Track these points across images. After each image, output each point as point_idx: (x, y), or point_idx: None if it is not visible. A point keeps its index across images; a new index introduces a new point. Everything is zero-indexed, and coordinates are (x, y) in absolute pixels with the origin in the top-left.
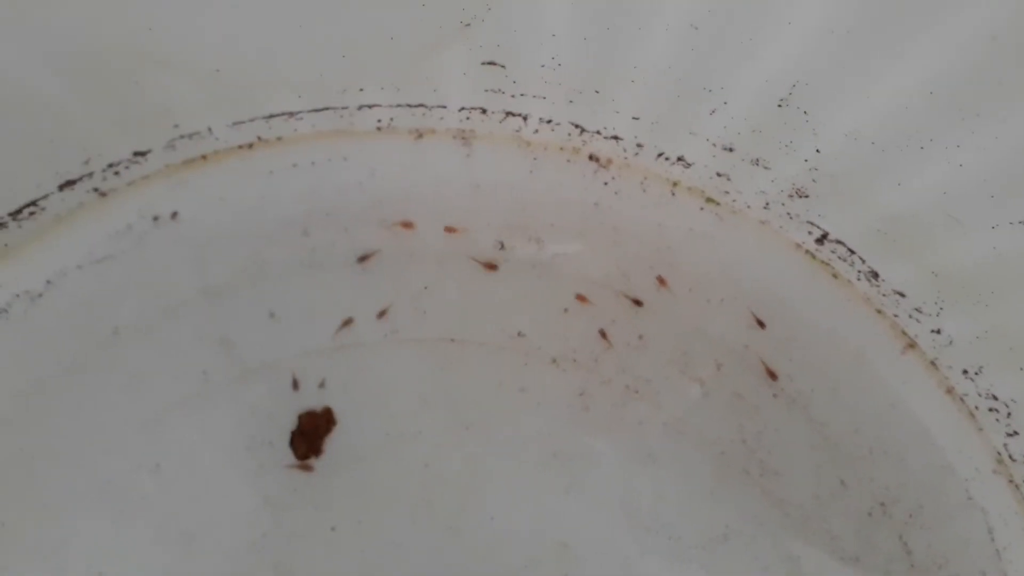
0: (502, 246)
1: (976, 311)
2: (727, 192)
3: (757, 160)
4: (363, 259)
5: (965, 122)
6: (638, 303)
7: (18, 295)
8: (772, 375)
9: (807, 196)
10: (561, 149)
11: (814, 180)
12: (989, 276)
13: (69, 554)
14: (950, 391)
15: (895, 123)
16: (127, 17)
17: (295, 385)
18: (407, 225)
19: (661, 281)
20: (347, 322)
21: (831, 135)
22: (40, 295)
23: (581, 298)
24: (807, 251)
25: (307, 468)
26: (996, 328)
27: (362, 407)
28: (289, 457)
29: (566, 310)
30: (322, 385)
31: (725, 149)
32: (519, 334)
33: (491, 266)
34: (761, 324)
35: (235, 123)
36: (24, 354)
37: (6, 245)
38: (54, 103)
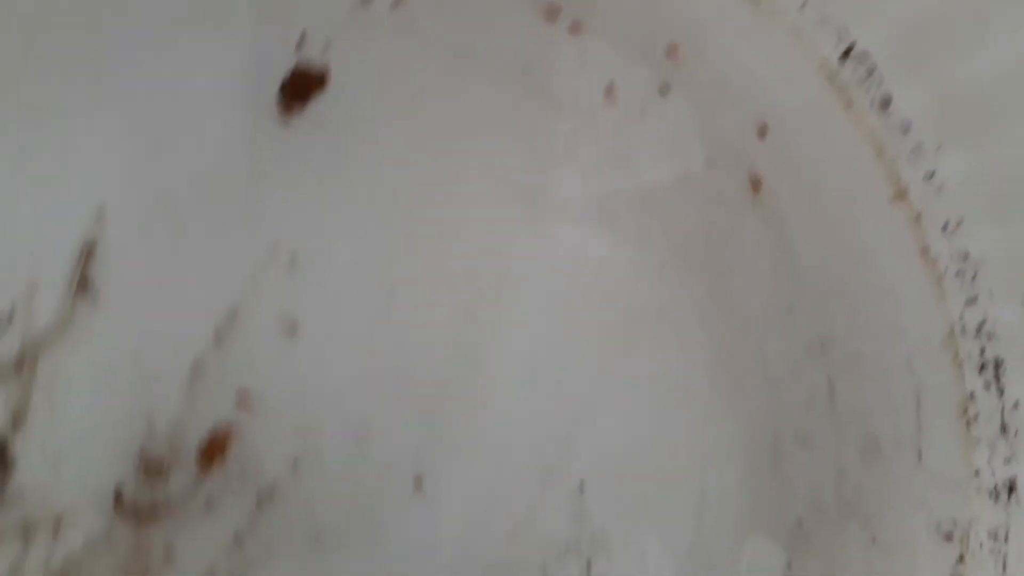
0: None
1: (973, 146)
2: None
3: None
4: None
5: None
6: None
7: None
8: (756, 186)
9: None
10: None
11: None
12: (995, 99)
13: (45, 119)
14: (925, 253)
15: None
16: None
17: (300, 47)
18: None
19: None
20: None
21: None
22: None
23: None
24: (829, 73)
25: (289, 119)
26: (987, 168)
27: (358, 84)
28: (276, 103)
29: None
30: (326, 49)
31: None
32: (522, 69)
33: None
34: (762, 134)
35: None
36: None
37: None
38: None
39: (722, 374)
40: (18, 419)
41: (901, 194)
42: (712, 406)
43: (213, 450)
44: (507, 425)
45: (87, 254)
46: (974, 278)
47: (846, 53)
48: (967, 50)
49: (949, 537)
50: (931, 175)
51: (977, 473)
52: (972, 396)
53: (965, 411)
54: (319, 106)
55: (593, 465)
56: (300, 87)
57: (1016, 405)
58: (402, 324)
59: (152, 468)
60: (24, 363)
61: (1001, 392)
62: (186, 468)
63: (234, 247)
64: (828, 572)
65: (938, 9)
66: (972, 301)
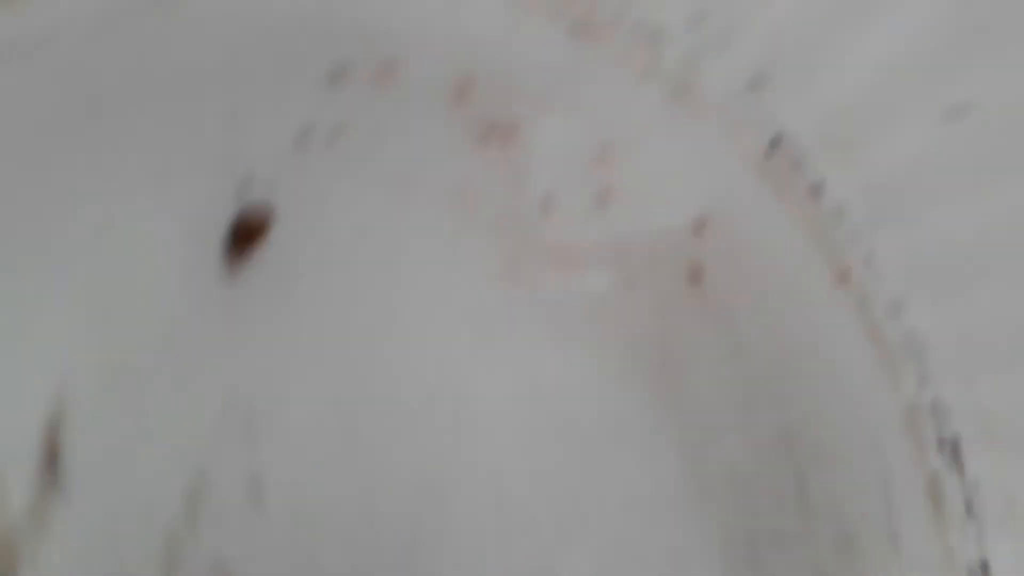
0: (465, 92)
1: (904, 227)
2: (690, 85)
3: (716, 44)
4: (333, 77)
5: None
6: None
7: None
8: (696, 279)
9: (765, 87)
10: (547, 7)
11: (773, 63)
12: (919, 182)
13: None
14: (873, 335)
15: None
16: None
17: (241, 197)
18: (392, 74)
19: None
20: (304, 137)
21: (780, 14)
22: (40, 44)
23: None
24: (758, 160)
25: (236, 270)
26: (921, 247)
27: (301, 225)
28: (222, 256)
29: (515, 173)
30: (267, 195)
31: (689, 28)
32: (465, 182)
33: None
34: (699, 230)
35: None
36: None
37: None
38: None
39: (690, 482)
40: None
41: (844, 277)
42: (683, 516)
43: None
44: (479, 558)
45: (52, 434)
46: (923, 358)
47: (774, 143)
48: (887, 137)
49: None
50: (870, 257)
51: (952, 553)
52: (937, 476)
53: (933, 491)
54: (264, 254)
55: None
56: (243, 236)
57: (976, 484)
58: (366, 469)
59: None
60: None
61: (961, 471)
62: None
63: (192, 410)
64: None
65: (859, 98)
66: (924, 381)
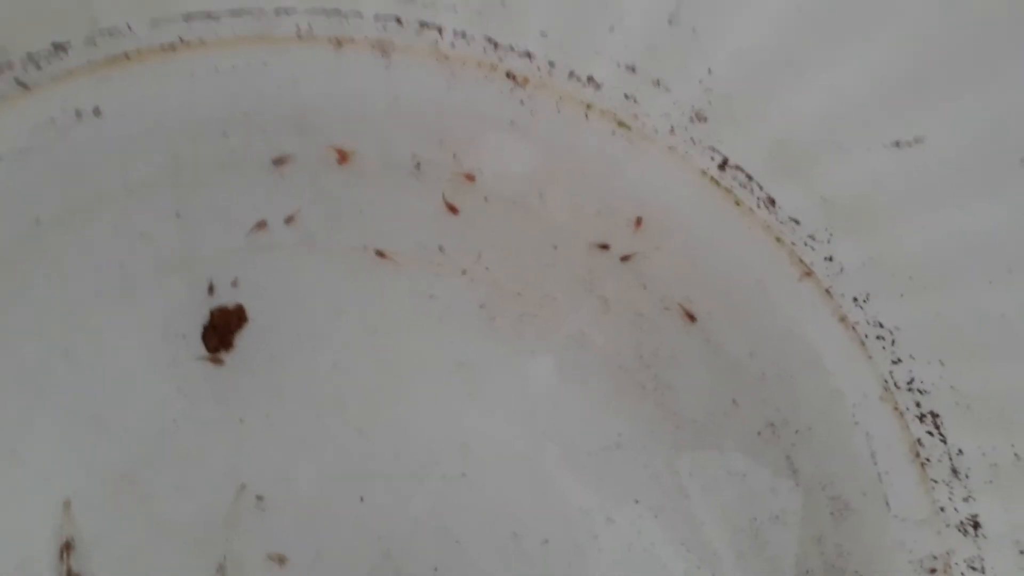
0: (417, 162)
1: (861, 237)
2: (636, 116)
3: (658, 81)
4: (279, 162)
5: (834, 42)
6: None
7: None
8: (690, 316)
9: (706, 120)
10: (479, 65)
11: (710, 102)
12: (869, 200)
13: None
14: (843, 319)
15: (773, 43)
16: None
17: (210, 290)
18: (342, 155)
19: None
20: (260, 224)
21: (719, 54)
22: None
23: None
24: (712, 178)
25: (218, 361)
26: (879, 255)
27: (275, 307)
28: (202, 350)
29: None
30: (235, 284)
31: (628, 69)
32: (430, 245)
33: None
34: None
35: (154, 21)
36: None
37: None
38: None
39: (690, 482)
40: None
41: (807, 273)
42: (689, 512)
43: None
44: None
45: (68, 552)
46: (893, 343)
47: (722, 166)
48: (829, 168)
49: (933, 572)
50: (830, 259)
51: (942, 510)
52: (920, 442)
53: (917, 455)
54: (245, 341)
55: None
56: (221, 329)
57: (960, 452)
58: (383, 530)
59: None
60: None
61: (944, 440)
62: None
63: (202, 502)
64: None
65: (798, 134)
66: (897, 362)
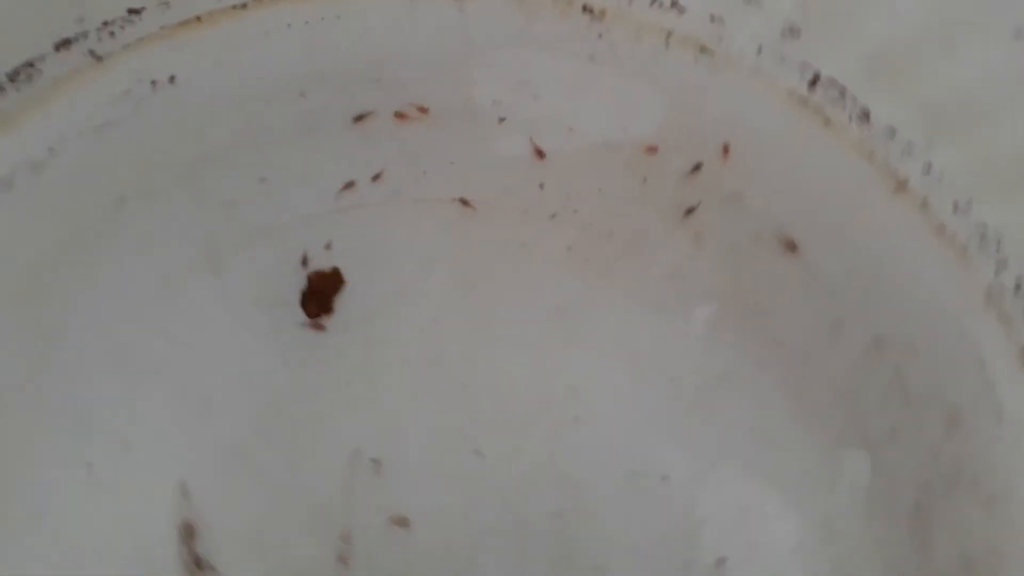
0: (499, 107)
1: (966, 140)
2: (721, 39)
3: None
4: (359, 119)
5: None
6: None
7: (21, 165)
8: (788, 245)
9: (799, 34)
10: (554, 1)
11: (805, 13)
12: (978, 99)
13: (92, 420)
14: (941, 229)
15: None
16: None
17: (304, 257)
18: (423, 110)
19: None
20: (348, 185)
21: None
22: (43, 164)
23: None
24: (799, 98)
25: (319, 327)
26: (985, 157)
27: (369, 267)
28: (301, 316)
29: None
30: (328, 247)
31: None
32: (518, 191)
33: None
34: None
35: None
36: (32, 226)
37: (5, 112)
38: None
39: (800, 409)
40: None
41: (901, 187)
42: (803, 435)
43: None
44: (625, 532)
45: (188, 535)
46: (998, 248)
47: (813, 82)
48: (936, 68)
49: None
50: (928, 168)
51: None
52: None
53: None
54: (343, 305)
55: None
56: (320, 294)
57: None
58: (502, 483)
59: None
60: None
61: None
62: None
63: (316, 470)
64: (956, 542)
65: (901, 36)
66: (1003, 266)
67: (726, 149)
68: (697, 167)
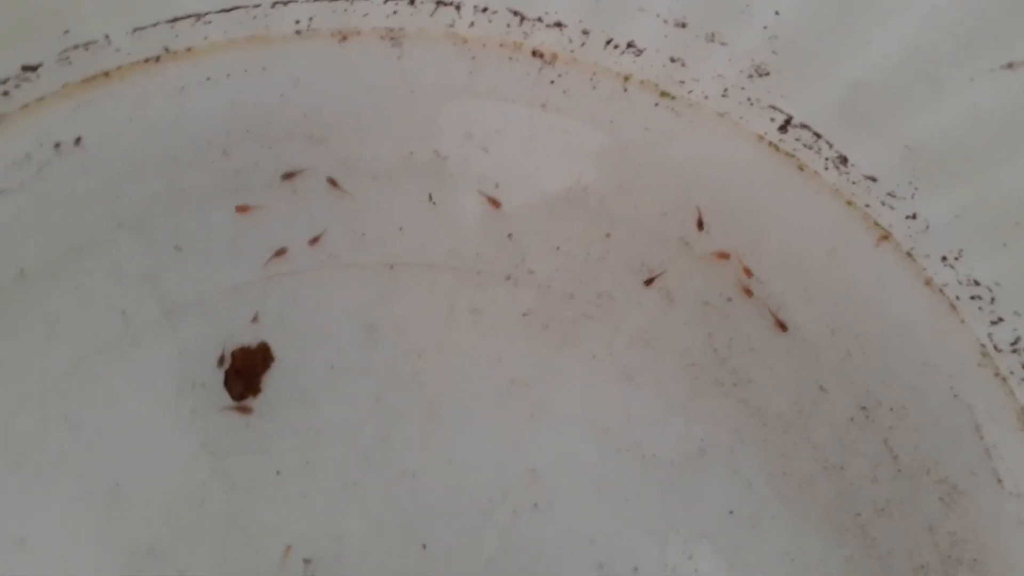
0: (444, 161)
1: (953, 186)
2: (682, 82)
3: (712, 35)
4: (289, 176)
5: None
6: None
7: None
8: (748, 292)
9: (768, 74)
10: (501, 45)
11: (774, 51)
12: (967, 140)
13: None
14: (929, 282)
15: None
16: None
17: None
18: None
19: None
20: (280, 252)
21: None
22: None
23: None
24: (770, 143)
25: (245, 410)
26: (975, 203)
27: (302, 340)
28: (225, 398)
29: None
30: (255, 319)
31: (677, 25)
32: (467, 252)
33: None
34: (700, 226)
35: (136, 30)
36: None
37: None
38: None
39: (784, 482)
40: None
41: (885, 237)
42: (788, 519)
43: None
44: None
45: None
46: (992, 301)
47: (784, 127)
48: (918, 108)
49: None
50: (913, 216)
51: None
52: None
53: None
54: (273, 383)
55: None
56: (245, 373)
57: None
58: (450, 572)
59: None
60: None
61: None
62: None
63: (243, 572)
64: None
65: (879, 75)
66: (998, 322)
67: (700, 224)
68: (664, 216)
